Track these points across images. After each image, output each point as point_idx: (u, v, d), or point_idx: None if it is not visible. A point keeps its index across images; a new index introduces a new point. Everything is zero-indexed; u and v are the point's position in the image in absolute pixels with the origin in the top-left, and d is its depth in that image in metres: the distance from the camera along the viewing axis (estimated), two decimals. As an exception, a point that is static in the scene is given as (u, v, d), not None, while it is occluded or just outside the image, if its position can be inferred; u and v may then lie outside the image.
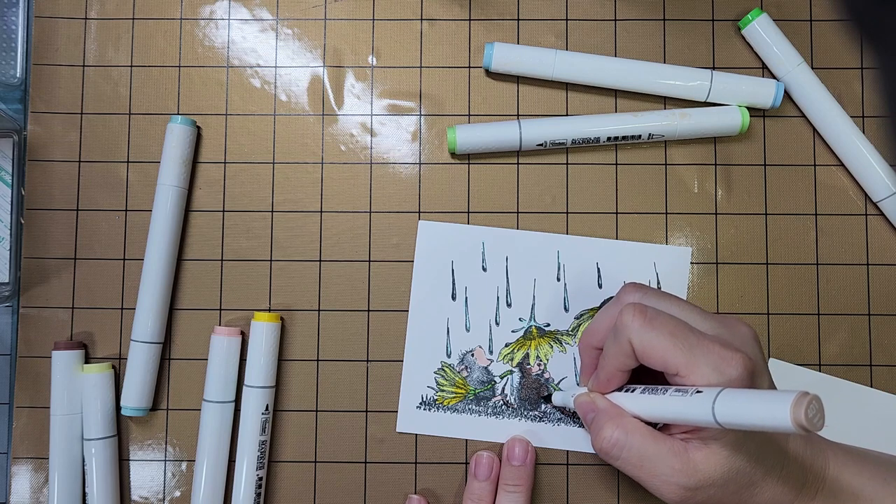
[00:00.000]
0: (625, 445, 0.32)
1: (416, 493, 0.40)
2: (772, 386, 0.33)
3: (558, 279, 0.41)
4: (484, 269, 0.41)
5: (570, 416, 0.40)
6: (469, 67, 0.42)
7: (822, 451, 0.34)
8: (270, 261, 0.41)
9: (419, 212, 0.42)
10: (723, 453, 0.31)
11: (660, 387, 0.32)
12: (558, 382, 0.41)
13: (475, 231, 0.41)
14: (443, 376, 0.41)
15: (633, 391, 0.33)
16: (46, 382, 0.40)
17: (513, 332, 0.41)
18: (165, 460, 0.41)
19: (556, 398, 0.39)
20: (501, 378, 0.41)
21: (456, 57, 0.42)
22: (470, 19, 0.42)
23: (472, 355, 0.41)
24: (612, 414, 0.33)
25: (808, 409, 0.25)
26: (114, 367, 0.41)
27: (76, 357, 0.40)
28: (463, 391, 0.41)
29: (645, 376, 0.34)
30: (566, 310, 0.41)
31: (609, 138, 0.41)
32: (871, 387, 0.40)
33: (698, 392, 0.29)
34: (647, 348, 0.31)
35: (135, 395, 0.39)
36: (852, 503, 0.33)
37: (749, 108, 0.41)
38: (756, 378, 0.31)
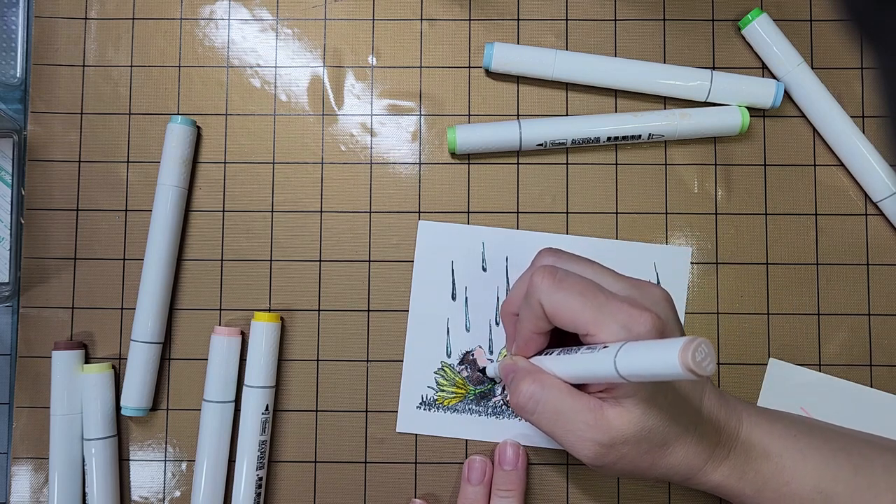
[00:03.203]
0: (540, 399, 0.32)
1: (416, 494, 0.40)
2: None
3: (558, 279, 0.41)
4: (484, 269, 0.41)
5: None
6: (469, 67, 0.42)
7: (737, 411, 0.34)
8: (270, 261, 0.41)
9: (419, 212, 0.42)
10: (636, 411, 0.31)
11: (574, 347, 0.32)
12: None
13: (475, 231, 0.41)
14: (443, 376, 0.41)
15: (551, 353, 0.34)
16: (46, 382, 0.40)
17: (513, 332, 0.41)
18: (165, 460, 0.41)
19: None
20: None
21: (456, 57, 0.42)
22: (470, 19, 0.42)
23: (472, 355, 0.41)
24: (531, 370, 0.33)
25: (695, 352, 0.25)
26: (114, 367, 0.41)
27: (76, 357, 0.40)
28: (463, 391, 0.41)
29: (570, 341, 0.34)
30: (566, 310, 0.41)
31: (609, 138, 0.41)
32: (871, 387, 0.40)
33: (604, 347, 0.29)
34: (557, 309, 0.32)
35: (135, 395, 0.39)
36: (763, 461, 0.33)
37: (749, 108, 0.41)
38: (666, 337, 0.31)
